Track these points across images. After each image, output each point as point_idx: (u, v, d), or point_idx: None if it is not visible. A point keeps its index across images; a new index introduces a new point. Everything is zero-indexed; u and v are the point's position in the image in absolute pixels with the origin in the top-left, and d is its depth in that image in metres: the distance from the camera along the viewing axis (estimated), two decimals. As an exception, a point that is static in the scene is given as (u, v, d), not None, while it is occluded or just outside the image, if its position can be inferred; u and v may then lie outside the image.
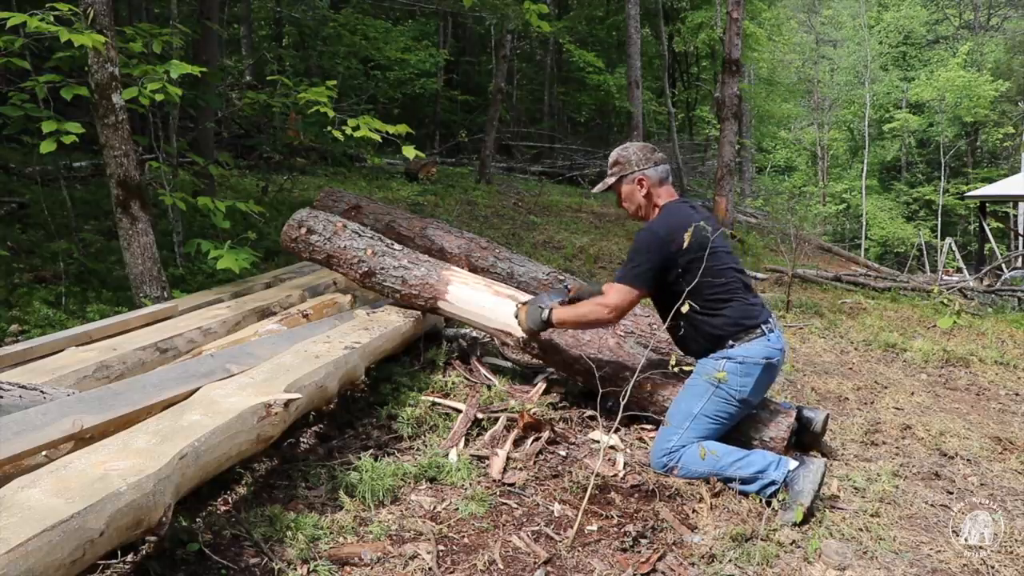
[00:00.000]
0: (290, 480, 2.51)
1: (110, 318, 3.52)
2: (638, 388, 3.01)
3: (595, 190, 3.14)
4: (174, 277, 4.76)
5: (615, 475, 2.73)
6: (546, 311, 2.92)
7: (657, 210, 2.90)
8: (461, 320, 3.45)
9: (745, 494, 2.61)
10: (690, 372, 3.02)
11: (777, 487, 2.54)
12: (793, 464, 2.58)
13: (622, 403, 2.60)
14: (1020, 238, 17.86)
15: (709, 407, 2.70)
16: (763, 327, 2.76)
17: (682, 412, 2.74)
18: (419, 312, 3.50)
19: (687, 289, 2.63)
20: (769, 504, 2.53)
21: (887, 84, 25.64)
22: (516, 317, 3.06)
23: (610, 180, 2.96)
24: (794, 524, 2.42)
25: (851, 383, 4.23)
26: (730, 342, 2.74)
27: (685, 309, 2.53)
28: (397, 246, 3.61)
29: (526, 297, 3.28)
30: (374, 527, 2.23)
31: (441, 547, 2.18)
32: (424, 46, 15.36)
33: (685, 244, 2.56)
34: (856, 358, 5.00)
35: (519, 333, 3.15)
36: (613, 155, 2.97)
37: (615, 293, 2.77)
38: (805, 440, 3.01)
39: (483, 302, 3.28)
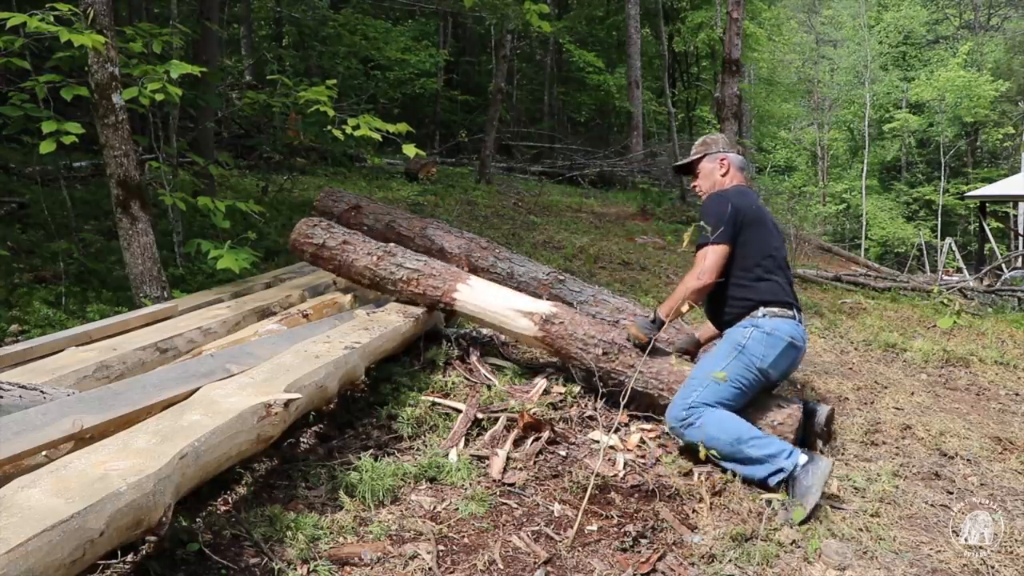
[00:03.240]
0: (290, 480, 2.51)
1: (110, 318, 3.52)
2: (641, 377, 3.03)
3: (677, 163, 3.38)
4: (174, 277, 4.76)
5: (615, 475, 2.73)
6: (651, 314, 3.07)
7: (723, 189, 3.09)
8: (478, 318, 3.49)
9: (751, 478, 2.63)
10: (691, 367, 3.04)
11: (784, 476, 2.57)
12: (804, 458, 2.60)
13: (622, 402, 2.61)
14: (1020, 238, 17.86)
15: (730, 369, 2.77)
16: (795, 310, 2.91)
17: (704, 371, 2.82)
18: (419, 312, 3.51)
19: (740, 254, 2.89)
20: (769, 504, 2.53)
21: (887, 84, 25.62)
22: (628, 339, 3.13)
23: (694, 156, 3.18)
24: (801, 521, 2.43)
25: (851, 383, 4.23)
26: (762, 310, 2.85)
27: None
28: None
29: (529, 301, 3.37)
30: (374, 527, 2.23)
31: (441, 547, 2.18)
32: (424, 46, 15.36)
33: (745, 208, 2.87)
34: (856, 358, 5.00)
35: (542, 311, 3.27)
36: (701, 138, 3.25)
37: (707, 256, 2.88)
38: (810, 440, 3.01)
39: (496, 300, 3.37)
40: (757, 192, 3.13)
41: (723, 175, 3.10)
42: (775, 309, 2.86)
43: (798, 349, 2.88)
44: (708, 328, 3.26)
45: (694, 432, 2.70)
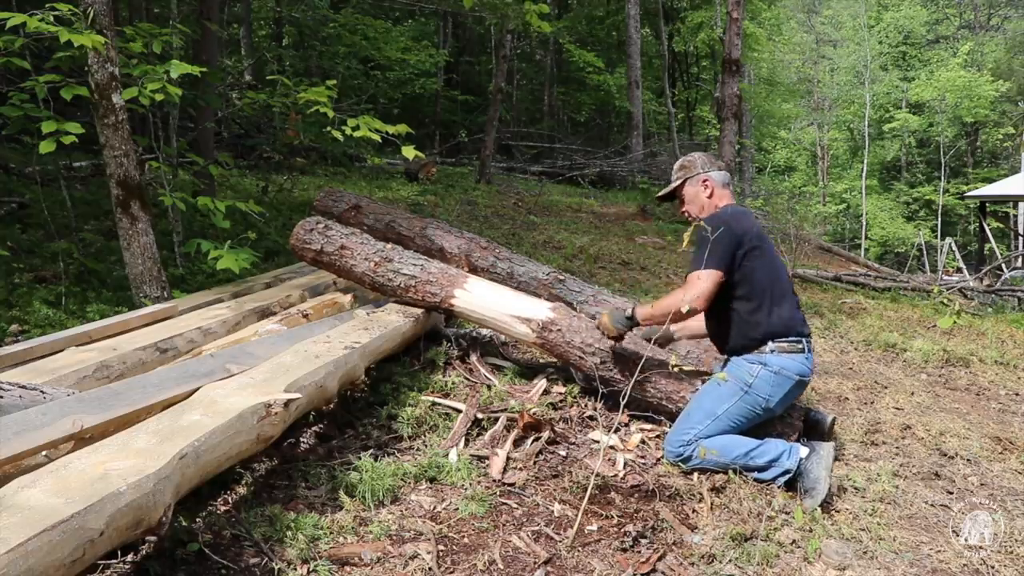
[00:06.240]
0: (290, 480, 2.51)
1: (110, 318, 3.52)
2: (639, 387, 3.03)
3: (660, 194, 3.18)
4: (174, 277, 4.76)
5: (615, 475, 2.73)
6: (629, 310, 2.96)
7: (717, 210, 2.94)
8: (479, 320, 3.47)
9: (762, 482, 2.67)
10: (691, 372, 3.04)
11: (791, 475, 2.61)
12: (804, 451, 2.64)
13: (622, 403, 2.61)
14: (1020, 238, 17.87)
15: (734, 410, 2.73)
16: (805, 342, 2.79)
17: (705, 409, 2.76)
18: (419, 312, 3.51)
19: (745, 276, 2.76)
20: (769, 504, 2.53)
21: (887, 84, 25.63)
22: (598, 327, 3.06)
23: (676, 183, 3.04)
24: (817, 508, 2.51)
25: (851, 383, 4.23)
26: (770, 345, 2.75)
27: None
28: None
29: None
30: (374, 527, 2.23)
31: (441, 547, 2.18)
32: (424, 46, 15.34)
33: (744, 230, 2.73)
34: (856, 358, 4.99)
35: (539, 317, 3.18)
36: (678, 162, 3.08)
37: (699, 281, 2.74)
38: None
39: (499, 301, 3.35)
40: (751, 211, 3.07)
41: (708, 196, 2.96)
42: (784, 344, 2.75)
43: (805, 384, 2.81)
44: (688, 327, 3.14)
45: (694, 464, 2.73)
